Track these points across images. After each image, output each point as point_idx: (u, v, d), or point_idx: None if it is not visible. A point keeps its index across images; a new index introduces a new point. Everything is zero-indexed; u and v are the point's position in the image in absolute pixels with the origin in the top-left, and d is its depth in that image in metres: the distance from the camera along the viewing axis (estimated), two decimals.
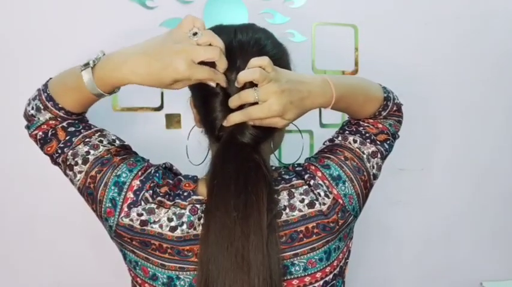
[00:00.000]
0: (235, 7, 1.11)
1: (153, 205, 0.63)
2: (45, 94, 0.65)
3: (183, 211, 0.63)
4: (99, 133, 0.67)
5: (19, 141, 1.06)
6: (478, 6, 1.23)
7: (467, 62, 1.24)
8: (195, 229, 0.62)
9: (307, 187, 0.66)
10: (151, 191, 0.63)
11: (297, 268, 0.63)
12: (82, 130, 0.66)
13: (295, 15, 1.13)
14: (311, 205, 0.64)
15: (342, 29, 1.17)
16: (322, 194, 0.65)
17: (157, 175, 0.65)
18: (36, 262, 1.07)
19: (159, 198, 0.63)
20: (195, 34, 0.58)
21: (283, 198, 0.65)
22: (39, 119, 0.65)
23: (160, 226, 0.62)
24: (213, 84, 0.60)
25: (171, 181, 0.66)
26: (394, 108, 0.76)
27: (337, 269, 0.66)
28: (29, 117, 0.67)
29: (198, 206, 0.63)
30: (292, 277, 0.63)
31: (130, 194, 0.63)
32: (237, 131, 0.63)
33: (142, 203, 0.62)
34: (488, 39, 1.24)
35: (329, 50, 1.16)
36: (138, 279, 0.64)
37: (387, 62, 1.20)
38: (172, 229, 0.62)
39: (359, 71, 1.18)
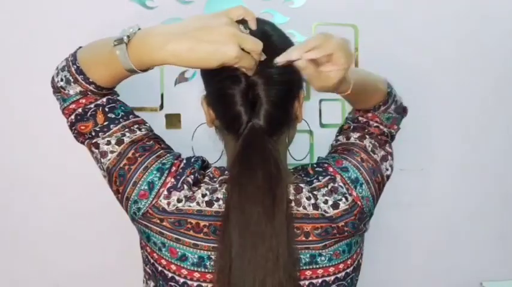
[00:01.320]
0: None
1: (191, 191, 0.64)
2: (75, 67, 0.64)
3: (215, 185, 0.64)
4: (137, 125, 0.68)
5: (19, 141, 1.06)
6: (478, 6, 1.23)
7: (468, 62, 1.24)
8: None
9: (327, 188, 0.67)
10: (192, 177, 0.64)
11: (323, 258, 0.64)
12: (121, 119, 0.67)
13: (295, 15, 1.13)
14: (335, 205, 0.66)
15: (342, 29, 1.17)
16: (342, 197, 0.67)
17: (198, 162, 0.66)
18: (36, 263, 1.07)
19: (200, 184, 0.64)
20: (244, 26, 0.57)
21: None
22: (69, 91, 0.64)
23: (198, 203, 0.63)
24: (250, 73, 0.60)
25: (210, 171, 0.67)
26: (393, 106, 0.77)
27: (356, 262, 0.68)
28: (58, 89, 0.66)
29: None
30: (317, 266, 0.64)
31: (171, 179, 0.64)
32: (252, 115, 0.62)
33: (185, 187, 0.63)
34: (488, 39, 1.24)
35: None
36: (162, 261, 0.64)
37: (387, 62, 1.20)
38: (209, 204, 0.63)
39: None
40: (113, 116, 0.66)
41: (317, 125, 1.16)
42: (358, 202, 0.68)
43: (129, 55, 0.59)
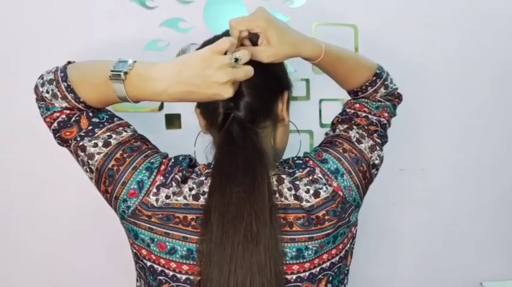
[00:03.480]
0: (235, 7, 1.11)
1: (181, 186, 0.65)
2: (65, 84, 0.65)
3: (201, 178, 0.66)
4: (121, 127, 0.69)
5: (19, 141, 1.06)
6: (478, 6, 1.23)
7: (468, 62, 1.24)
8: None
9: (308, 178, 0.68)
10: (180, 174, 0.66)
11: (309, 252, 0.65)
12: (106, 123, 0.67)
13: (295, 15, 1.13)
14: (316, 194, 0.67)
15: (342, 29, 1.17)
16: (323, 186, 0.68)
17: (185, 161, 0.68)
18: (35, 262, 1.07)
19: (189, 181, 0.66)
20: (236, 60, 0.59)
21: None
22: (54, 103, 0.65)
23: (184, 197, 0.64)
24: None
25: (198, 168, 0.69)
26: (383, 90, 0.79)
27: (343, 252, 0.69)
28: (42, 98, 0.67)
29: None
30: (304, 260, 0.65)
31: (160, 177, 0.65)
32: (234, 108, 0.66)
33: (174, 184, 0.65)
34: (489, 39, 1.24)
35: None
36: (151, 256, 0.65)
37: (387, 62, 1.19)
38: (195, 198, 0.65)
39: None
40: (97, 120, 0.67)
41: (317, 125, 1.16)
42: (340, 192, 0.69)
43: (126, 90, 0.61)
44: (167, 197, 0.65)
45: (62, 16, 1.05)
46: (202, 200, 0.65)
